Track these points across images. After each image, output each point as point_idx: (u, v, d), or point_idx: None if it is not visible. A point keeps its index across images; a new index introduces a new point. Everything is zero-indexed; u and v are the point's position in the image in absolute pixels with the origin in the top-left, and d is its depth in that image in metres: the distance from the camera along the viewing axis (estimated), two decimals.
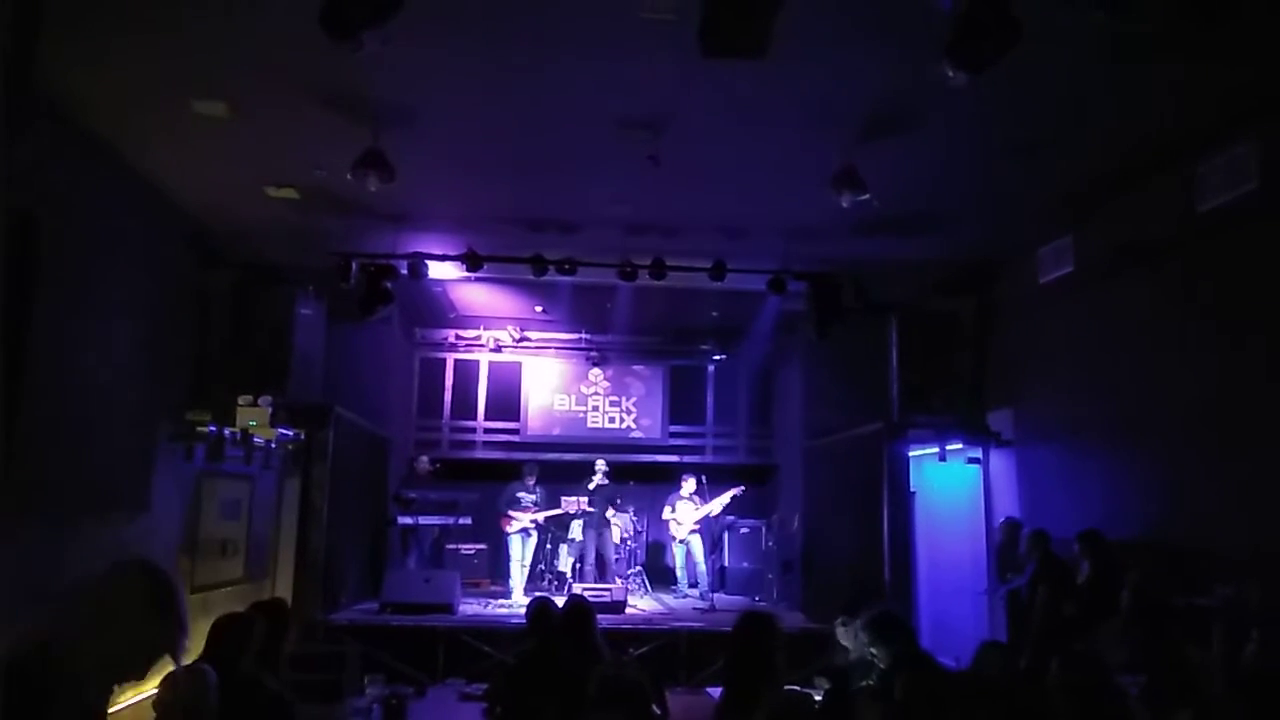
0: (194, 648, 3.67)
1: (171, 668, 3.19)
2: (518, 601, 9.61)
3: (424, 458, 10.76)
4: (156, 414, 7.37)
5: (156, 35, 4.88)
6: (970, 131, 5.94)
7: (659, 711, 4.16)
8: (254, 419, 7.81)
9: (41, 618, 1.98)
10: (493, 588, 10.55)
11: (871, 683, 4.24)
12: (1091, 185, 6.85)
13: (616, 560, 10.86)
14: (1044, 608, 6.73)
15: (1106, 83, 5.27)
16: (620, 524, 11.01)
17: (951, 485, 9.34)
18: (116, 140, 6.22)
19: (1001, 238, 8.10)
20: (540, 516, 10.18)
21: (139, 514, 6.94)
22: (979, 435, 8.80)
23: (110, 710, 2.51)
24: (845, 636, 5.28)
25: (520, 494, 10.15)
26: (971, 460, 8.96)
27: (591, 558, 10.51)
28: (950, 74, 4.21)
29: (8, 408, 5.00)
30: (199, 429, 7.83)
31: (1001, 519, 8.16)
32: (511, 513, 10.07)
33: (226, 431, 7.99)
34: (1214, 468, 5.93)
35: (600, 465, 10.62)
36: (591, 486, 10.46)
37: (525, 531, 10.08)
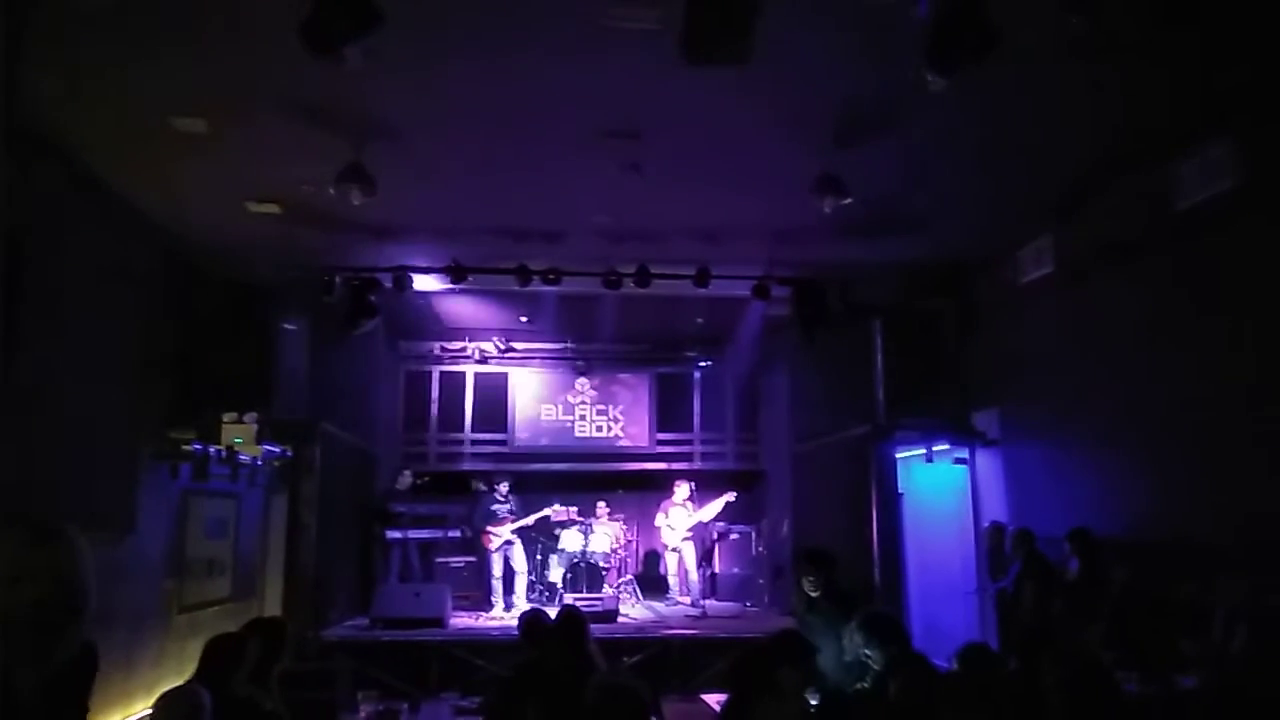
0: (186, 669, 3.65)
1: (165, 688, 3.18)
2: (499, 615, 9.55)
3: (406, 472, 10.70)
4: (141, 433, 7.31)
5: (134, 53, 4.85)
6: (949, 133, 5.97)
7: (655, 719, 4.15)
8: (239, 436, 7.74)
9: None
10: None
11: (866, 685, 4.24)
12: (1070, 186, 6.91)
13: (606, 570, 10.81)
14: (1031, 606, 6.77)
15: (1083, 83, 5.30)
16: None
17: (939, 486, 9.38)
18: (95, 159, 6.16)
19: (983, 238, 8.15)
20: (520, 524, 10.05)
21: (126, 534, 6.87)
22: (965, 435, 8.84)
23: None
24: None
25: (494, 507, 10.05)
26: (958, 461, 8.99)
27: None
28: (929, 78, 4.25)
29: None
30: (184, 447, 7.75)
31: (988, 520, 8.20)
32: (490, 529, 9.95)
33: (212, 449, 7.92)
34: (1198, 463, 5.99)
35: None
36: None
37: (508, 543, 9.98)
